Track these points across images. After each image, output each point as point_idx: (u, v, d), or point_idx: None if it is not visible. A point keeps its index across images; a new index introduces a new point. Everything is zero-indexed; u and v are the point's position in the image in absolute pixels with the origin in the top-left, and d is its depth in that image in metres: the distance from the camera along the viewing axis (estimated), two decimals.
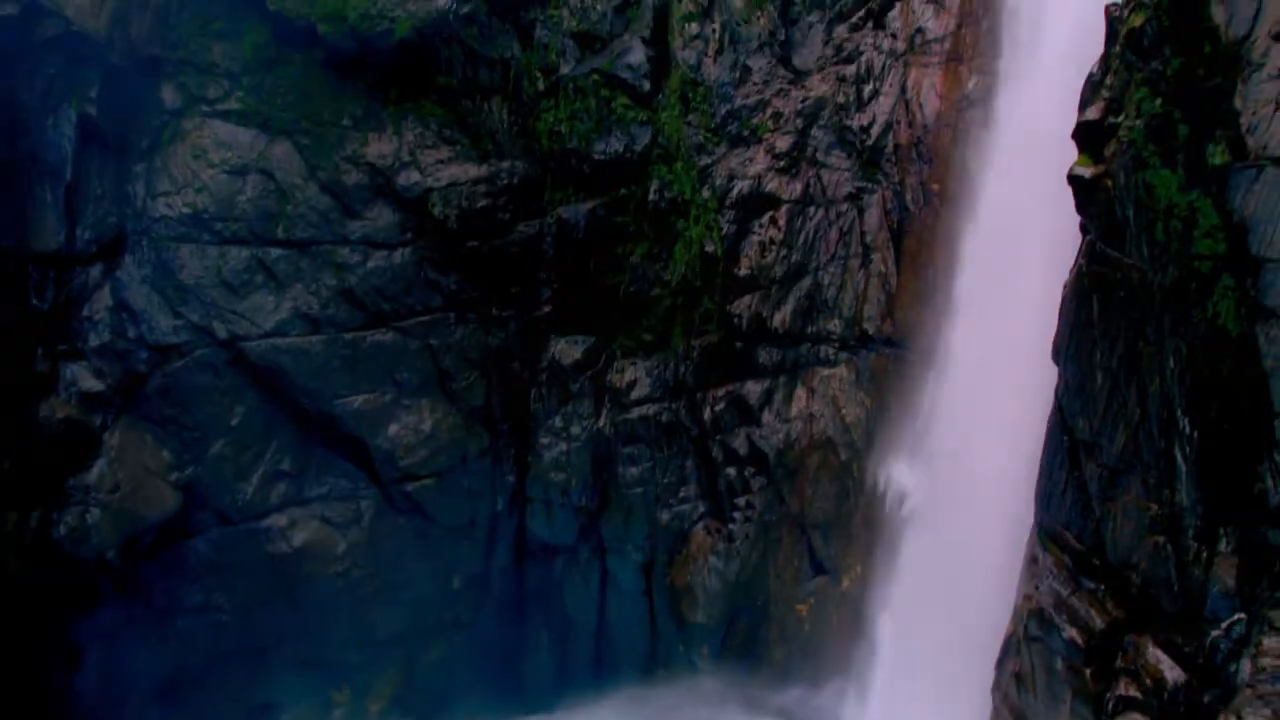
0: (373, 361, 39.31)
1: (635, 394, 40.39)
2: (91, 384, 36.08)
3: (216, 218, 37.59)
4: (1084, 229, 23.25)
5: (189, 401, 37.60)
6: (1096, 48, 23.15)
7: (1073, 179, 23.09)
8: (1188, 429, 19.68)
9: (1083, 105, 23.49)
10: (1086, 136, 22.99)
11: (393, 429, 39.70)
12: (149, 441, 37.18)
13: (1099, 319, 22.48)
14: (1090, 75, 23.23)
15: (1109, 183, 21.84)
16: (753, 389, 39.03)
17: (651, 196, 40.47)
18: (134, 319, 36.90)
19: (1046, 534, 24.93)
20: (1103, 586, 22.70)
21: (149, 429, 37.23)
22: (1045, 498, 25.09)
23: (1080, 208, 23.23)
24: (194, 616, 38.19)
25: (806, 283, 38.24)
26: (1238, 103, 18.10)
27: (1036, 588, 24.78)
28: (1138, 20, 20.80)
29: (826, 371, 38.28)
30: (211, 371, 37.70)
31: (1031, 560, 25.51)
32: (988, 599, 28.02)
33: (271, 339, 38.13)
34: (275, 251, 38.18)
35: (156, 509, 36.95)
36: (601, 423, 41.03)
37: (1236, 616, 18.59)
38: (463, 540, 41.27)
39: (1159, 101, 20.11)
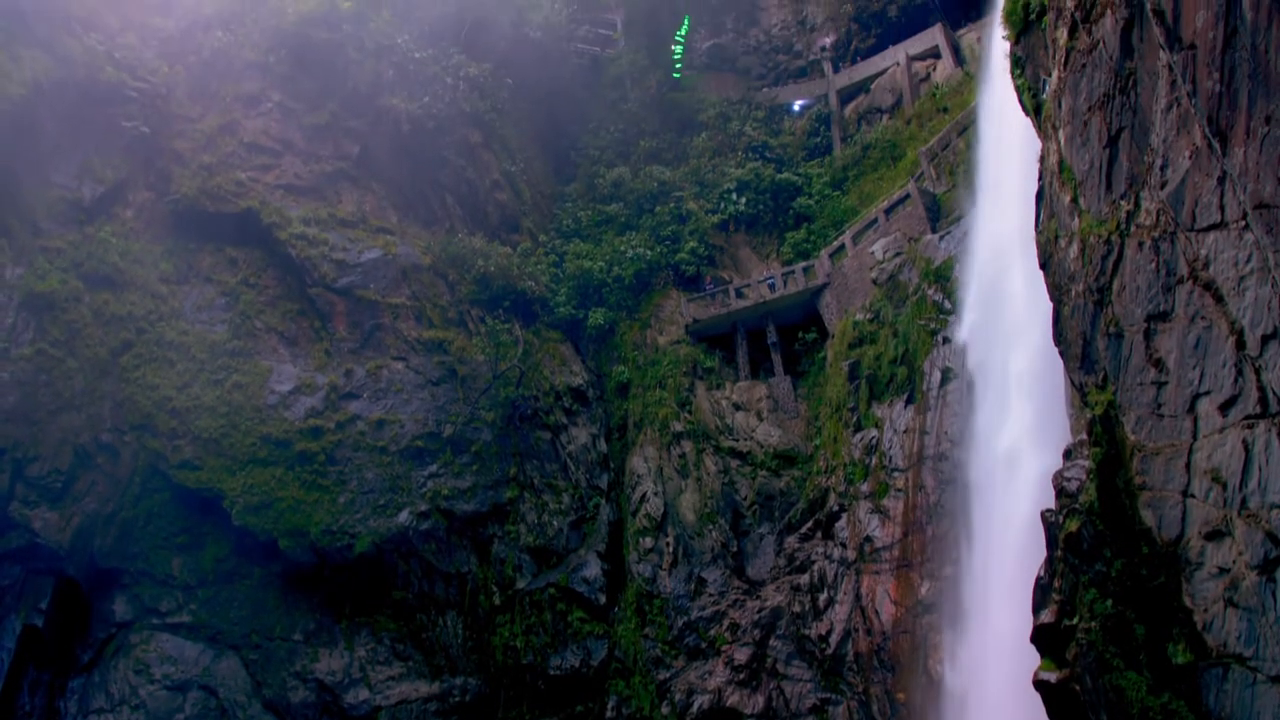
0: None
1: None
2: None
3: None
4: None
5: None
6: (1040, 547, 23.85)
7: (1039, 685, 22.65)
8: None
9: (1036, 609, 23.69)
10: (1045, 640, 22.90)
11: None
12: None
13: None
14: (1038, 578, 23.71)
15: (1076, 687, 21.44)
16: None
17: (609, 714, 38.94)
18: None
19: None
20: None
21: None
22: None
23: (1053, 715, 22.55)
24: None
25: None
26: (1187, 601, 18.38)
27: None
28: (1073, 525, 21.70)
29: None
30: None
31: None
32: None
33: None
34: None
35: None
36: None
37: None
38: None
39: (1110, 602, 20.39)
